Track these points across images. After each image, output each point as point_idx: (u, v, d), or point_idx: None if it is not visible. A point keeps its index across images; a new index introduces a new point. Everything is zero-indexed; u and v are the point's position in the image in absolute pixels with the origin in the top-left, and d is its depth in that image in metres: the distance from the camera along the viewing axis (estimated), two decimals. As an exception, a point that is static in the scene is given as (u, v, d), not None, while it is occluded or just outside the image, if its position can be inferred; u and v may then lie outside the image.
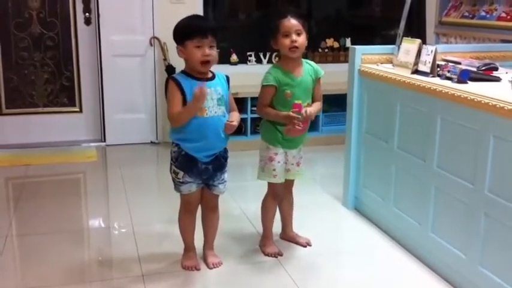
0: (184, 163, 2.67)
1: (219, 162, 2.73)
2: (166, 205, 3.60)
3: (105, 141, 5.22)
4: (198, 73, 2.63)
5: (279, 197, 3.04)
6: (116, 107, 5.15)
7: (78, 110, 5.26)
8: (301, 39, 2.78)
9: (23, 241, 3.23)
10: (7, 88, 5.06)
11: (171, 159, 2.72)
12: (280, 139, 2.87)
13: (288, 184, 3.05)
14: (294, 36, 2.75)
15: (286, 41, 2.76)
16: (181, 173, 2.69)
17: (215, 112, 2.63)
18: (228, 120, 2.65)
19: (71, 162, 4.73)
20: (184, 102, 2.59)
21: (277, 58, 2.83)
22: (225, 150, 2.76)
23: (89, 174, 4.59)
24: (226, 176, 2.80)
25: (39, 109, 5.17)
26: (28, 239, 3.23)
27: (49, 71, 5.14)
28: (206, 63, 2.59)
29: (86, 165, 4.69)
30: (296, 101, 2.81)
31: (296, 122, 2.77)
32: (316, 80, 2.91)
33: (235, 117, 2.70)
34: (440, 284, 2.73)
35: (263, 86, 2.84)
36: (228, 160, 2.79)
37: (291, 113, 2.77)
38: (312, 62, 2.95)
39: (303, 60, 2.91)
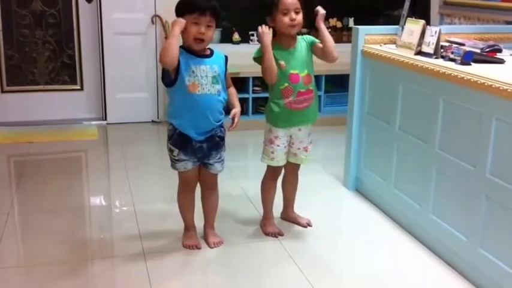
0: (178, 141, 2.68)
1: (213, 141, 2.72)
2: (167, 184, 3.60)
3: (106, 119, 5.21)
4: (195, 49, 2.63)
5: (278, 177, 3.03)
6: (117, 86, 5.14)
7: (79, 88, 5.25)
8: (299, 18, 2.77)
9: (25, 218, 3.24)
10: (8, 65, 5.04)
11: (167, 137, 2.73)
12: (282, 116, 2.84)
13: (294, 167, 3.04)
14: (293, 15, 2.74)
15: (285, 19, 2.74)
16: (176, 151, 2.70)
17: (208, 90, 2.62)
18: (231, 117, 2.71)
19: (72, 140, 4.73)
20: (178, 73, 2.59)
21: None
22: (221, 130, 2.75)
23: (90, 152, 4.60)
24: (223, 155, 2.80)
25: (41, 87, 5.17)
26: (30, 217, 3.24)
27: (50, 48, 5.12)
28: (199, 41, 2.59)
29: (87, 144, 4.70)
30: (292, 71, 2.79)
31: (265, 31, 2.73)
32: (313, 46, 2.87)
33: (236, 107, 2.75)
34: (440, 266, 2.74)
35: (257, 58, 2.80)
36: (226, 139, 2.78)
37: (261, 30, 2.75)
38: (305, 36, 2.92)
39: (297, 36, 2.88)
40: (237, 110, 2.74)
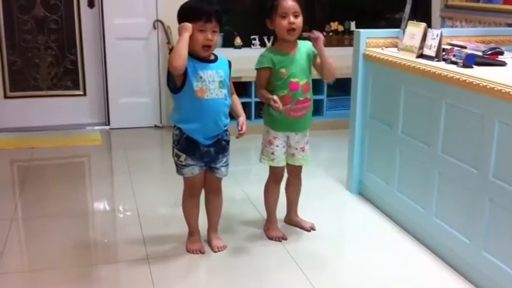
0: (185, 146, 2.68)
1: (220, 145, 2.73)
2: (170, 188, 3.61)
3: (109, 124, 5.22)
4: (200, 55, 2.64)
5: (280, 180, 3.04)
6: (120, 91, 5.15)
7: (82, 93, 5.27)
8: (299, 21, 2.76)
9: (29, 224, 3.25)
10: (11, 71, 5.06)
11: (173, 143, 2.73)
12: (279, 121, 2.84)
13: (295, 170, 3.05)
14: (292, 18, 2.74)
15: (284, 23, 2.74)
16: (183, 156, 2.70)
17: (216, 94, 2.64)
18: (239, 130, 2.70)
19: (75, 145, 4.74)
20: (185, 79, 2.59)
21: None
22: (226, 133, 2.76)
23: (93, 157, 4.60)
24: (229, 158, 2.81)
25: (43, 92, 5.18)
26: (33, 222, 3.24)
27: (53, 54, 5.14)
28: (207, 47, 2.61)
29: (90, 149, 4.71)
30: (292, 79, 2.80)
31: (276, 106, 2.72)
32: (313, 57, 2.87)
33: (242, 116, 2.76)
34: (443, 269, 2.74)
35: (257, 70, 2.83)
36: (230, 143, 2.79)
37: (274, 98, 2.73)
38: (306, 41, 2.90)
39: (298, 41, 2.88)
40: (243, 118, 2.75)
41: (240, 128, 2.71)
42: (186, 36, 2.54)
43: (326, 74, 2.84)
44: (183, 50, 2.52)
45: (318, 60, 2.85)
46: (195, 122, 2.64)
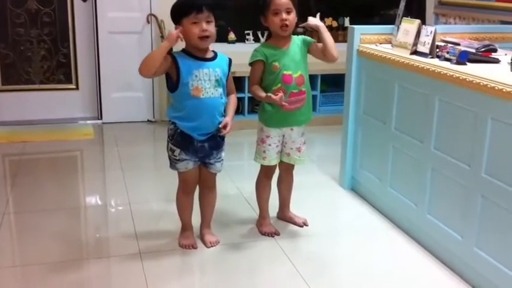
0: (180, 141, 2.68)
1: (215, 141, 2.73)
2: (163, 183, 3.61)
3: (101, 119, 5.21)
4: (199, 51, 2.62)
5: (272, 176, 3.04)
6: (112, 85, 5.13)
7: (74, 87, 5.24)
8: (291, 17, 2.76)
9: (20, 218, 3.23)
10: (3, 64, 5.03)
11: (168, 137, 2.73)
12: (274, 116, 2.84)
13: (288, 167, 3.05)
14: (284, 15, 2.74)
15: (277, 19, 2.74)
16: (177, 151, 2.69)
17: (211, 93, 2.63)
18: (222, 126, 2.66)
19: (67, 139, 4.72)
20: (178, 79, 2.58)
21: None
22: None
23: (85, 151, 4.59)
24: (223, 154, 2.81)
25: (36, 86, 5.15)
26: (25, 216, 3.23)
27: (45, 47, 5.11)
28: (205, 38, 2.58)
29: (82, 143, 4.69)
30: (285, 72, 2.79)
31: (278, 98, 2.71)
32: (310, 46, 2.86)
33: (228, 116, 2.70)
34: (436, 265, 2.75)
35: (251, 64, 2.83)
36: (225, 139, 2.78)
37: (269, 95, 2.72)
38: (301, 36, 2.90)
39: (293, 36, 2.87)
40: (228, 118, 2.69)
41: (221, 126, 2.65)
42: (165, 45, 2.52)
43: (326, 53, 2.80)
44: (155, 61, 2.54)
45: (315, 45, 2.85)
46: (191, 121, 2.63)
